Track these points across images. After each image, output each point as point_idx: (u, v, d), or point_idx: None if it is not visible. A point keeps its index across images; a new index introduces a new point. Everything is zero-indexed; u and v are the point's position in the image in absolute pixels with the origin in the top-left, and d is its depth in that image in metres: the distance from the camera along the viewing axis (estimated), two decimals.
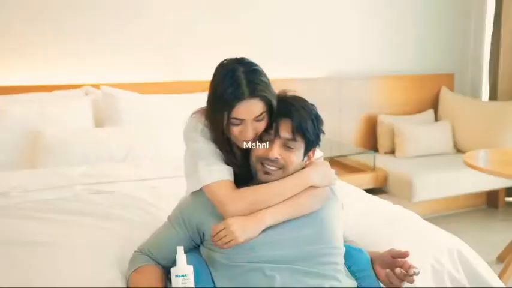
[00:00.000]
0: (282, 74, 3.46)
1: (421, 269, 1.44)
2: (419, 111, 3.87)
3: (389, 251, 1.30)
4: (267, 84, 1.26)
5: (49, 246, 1.46)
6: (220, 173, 1.27)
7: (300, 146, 1.28)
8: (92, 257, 1.40)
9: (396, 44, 3.84)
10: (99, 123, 2.73)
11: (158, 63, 3.11)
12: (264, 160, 1.26)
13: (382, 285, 1.30)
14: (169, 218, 1.35)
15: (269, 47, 3.41)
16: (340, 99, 3.64)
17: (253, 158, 1.29)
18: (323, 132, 1.34)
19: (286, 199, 1.25)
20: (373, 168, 3.27)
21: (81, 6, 2.88)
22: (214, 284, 1.21)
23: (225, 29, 3.24)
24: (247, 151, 1.31)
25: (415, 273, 1.21)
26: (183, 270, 1.12)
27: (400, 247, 1.46)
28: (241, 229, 1.18)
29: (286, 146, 1.26)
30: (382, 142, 3.66)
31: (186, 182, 1.42)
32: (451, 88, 3.99)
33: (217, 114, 1.25)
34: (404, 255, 1.26)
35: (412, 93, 3.86)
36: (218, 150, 1.32)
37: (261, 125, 1.26)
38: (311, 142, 1.30)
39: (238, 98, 1.21)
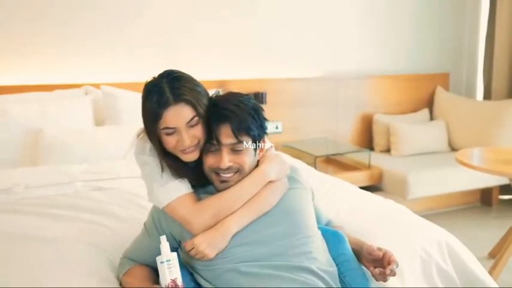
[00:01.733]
0: (280, 73, 3.52)
1: (410, 259, 1.50)
2: (415, 111, 3.92)
3: (366, 248, 1.33)
4: (191, 90, 1.23)
5: (50, 241, 1.50)
6: (176, 189, 1.26)
7: (247, 144, 1.25)
8: (91, 252, 1.44)
9: (392, 44, 3.89)
10: (99, 122, 2.76)
11: (158, 63, 3.15)
12: (217, 170, 1.25)
13: (364, 268, 1.34)
14: (145, 224, 1.37)
15: (267, 47, 3.46)
16: (337, 99, 3.69)
17: (206, 168, 1.28)
18: (266, 120, 1.30)
19: (248, 201, 1.25)
20: (368, 167, 3.32)
21: (81, 6, 2.92)
22: (195, 283, 1.26)
23: (224, 29, 3.29)
24: (199, 161, 1.29)
25: (392, 271, 1.24)
26: (167, 256, 1.17)
27: (390, 239, 1.53)
28: (210, 246, 1.19)
29: (235, 150, 1.24)
30: (378, 141, 3.71)
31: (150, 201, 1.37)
32: (446, 88, 4.05)
33: (151, 130, 1.25)
34: (377, 256, 1.29)
35: (408, 92, 3.91)
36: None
37: (198, 131, 1.23)
38: (257, 136, 1.27)
39: (164, 105, 1.21)
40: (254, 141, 1.27)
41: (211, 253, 1.20)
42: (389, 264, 1.25)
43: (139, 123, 3.03)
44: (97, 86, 2.86)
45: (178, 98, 1.21)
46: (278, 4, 3.46)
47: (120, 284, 1.32)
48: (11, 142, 2.45)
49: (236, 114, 1.23)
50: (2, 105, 2.52)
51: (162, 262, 1.16)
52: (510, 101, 3.55)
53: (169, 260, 1.16)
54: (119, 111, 2.73)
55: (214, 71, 3.27)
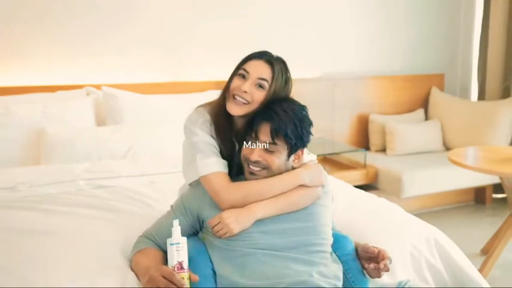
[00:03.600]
0: None
1: (400, 255, 1.57)
2: (410, 111, 3.98)
3: (362, 246, 1.42)
4: (281, 69, 1.43)
5: (54, 234, 1.56)
6: (217, 165, 1.39)
7: (281, 148, 1.35)
8: (93, 245, 1.50)
9: (388, 45, 3.96)
10: (100, 122, 2.83)
11: (158, 64, 3.21)
12: (248, 161, 1.37)
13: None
14: (172, 206, 1.47)
15: (265, 48, 3.50)
16: (333, 99, 3.75)
17: (241, 156, 1.40)
18: (311, 134, 1.40)
19: (278, 196, 1.35)
20: (364, 166, 3.39)
21: (82, 9, 2.97)
22: (211, 263, 1.33)
23: (223, 30, 3.34)
24: (240, 142, 1.42)
25: (385, 266, 1.33)
26: (177, 239, 1.24)
27: (382, 236, 1.60)
28: (235, 222, 1.30)
29: (267, 149, 1.35)
30: (374, 140, 3.77)
31: (184, 172, 1.52)
32: (441, 88, 4.11)
33: (234, 70, 1.44)
34: (372, 253, 1.38)
35: (403, 93, 3.98)
36: (215, 144, 1.43)
37: (258, 94, 1.39)
38: (294, 144, 1.36)
39: (256, 57, 1.43)
40: (290, 148, 1.36)
41: (235, 228, 1.29)
42: (383, 260, 1.35)
43: (139, 123, 3.10)
44: (98, 87, 2.92)
45: (269, 61, 1.42)
46: (275, 5, 3.51)
47: (130, 261, 1.39)
48: (15, 141, 2.51)
49: (280, 118, 1.34)
50: (7, 105, 2.58)
51: (171, 244, 1.24)
52: (503, 102, 3.62)
53: (179, 243, 1.23)
54: (119, 111, 2.80)
55: (213, 71, 3.33)
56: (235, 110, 1.39)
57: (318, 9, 3.66)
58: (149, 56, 3.18)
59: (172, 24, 3.22)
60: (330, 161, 3.59)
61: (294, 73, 4.08)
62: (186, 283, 1.20)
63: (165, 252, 1.38)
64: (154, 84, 3.14)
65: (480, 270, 2.44)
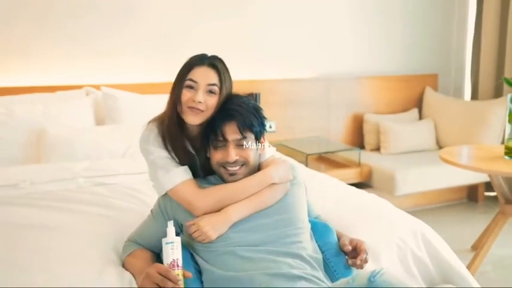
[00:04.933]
0: (273, 74, 3.64)
1: (387, 246, 1.63)
2: (404, 110, 4.05)
3: (340, 242, 1.48)
4: (224, 71, 1.44)
5: (55, 230, 1.62)
6: (179, 175, 1.42)
7: (251, 139, 1.41)
8: (95, 239, 1.56)
9: (383, 46, 4.02)
10: (99, 121, 2.88)
11: (157, 65, 3.26)
12: (224, 164, 1.40)
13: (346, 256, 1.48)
14: (151, 211, 1.52)
15: (261, 49, 3.57)
16: (329, 99, 3.81)
17: (214, 164, 1.43)
18: (265, 118, 1.46)
19: (250, 196, 1.40)
20: (358, 164, 3.45)
21: (82, 9, 3.03)
22: (194, 263, 1.39)
23: (222, 30, 3.40)
24: (198, 150, 1.46)
25: (362, 261, 1.41)
26: (172, 239, 1.30)
27: (370, 228, 1.67)
28: (213, 228, 1.34)
29: (239, 145, 1.40)
30: (368, 140, 3.84)
31: (154, 188, 1.52)
32: (435, 88, 4.18)
33: (179, 81, 1.42)
34: (347, 251, 1.45)
35: (398, 93, 4.04)
36: (170, 155, 1.45)
37: (211, 100, 1.40)
38: (259, 132, 1.43)
39: (198, 63, 1.42)
40: (256, 137, 1.43)
41: (213, 235, 1.34)
42: (359, 253, 1.42)
43: (137, 123, 3.15)
44: (97, 87, 2.98)
45: (212, 65, 1.43)
46: (271, 6, 3.57)
47: (123, 264, 1.46)
48: (15, 141, 2.56)
49: (240, 113, 1.39)
50: (8, 105, 2.63)
51: (167, 243, 1.30)
52: (496, 101, 3.67)
53: (173, 243, 1.29)
54: (118, 111, 2.85)
55: None
56: (194, 119, 1.41)
57: (315, 11, 3.71)
58: (148, 57, 3.23)
59: (172, 24, 3.27)
60: (325, 160, 3.65)
61: (292, 73, 4.13)
62: (181, 279, 1.26)
63: (152, 252, 1.46)
64: (153, 85, 3.19)
65: (470, 266, 2.51)
